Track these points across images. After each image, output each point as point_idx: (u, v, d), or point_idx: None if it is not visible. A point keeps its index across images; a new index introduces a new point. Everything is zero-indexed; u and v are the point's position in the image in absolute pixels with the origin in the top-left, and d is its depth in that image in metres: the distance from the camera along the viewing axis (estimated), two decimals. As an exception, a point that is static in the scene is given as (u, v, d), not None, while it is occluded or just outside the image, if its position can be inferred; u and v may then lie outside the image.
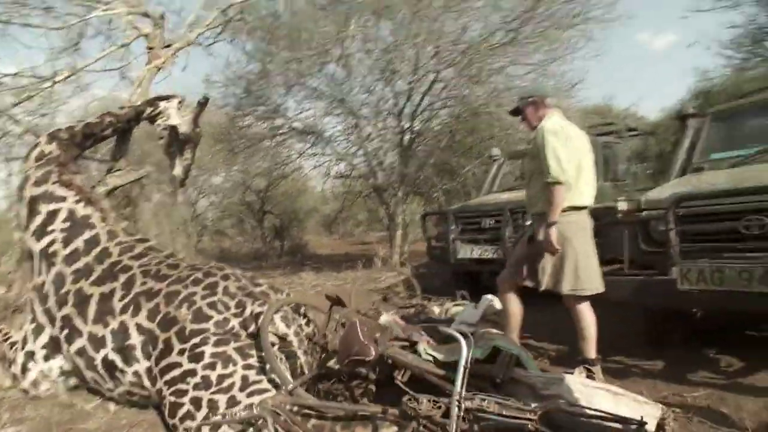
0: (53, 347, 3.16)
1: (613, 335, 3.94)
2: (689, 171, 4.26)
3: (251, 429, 2.20)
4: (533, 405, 1.83)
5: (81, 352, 2.93)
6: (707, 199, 2.97)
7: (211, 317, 2.69)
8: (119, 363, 2.80)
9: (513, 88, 8.09)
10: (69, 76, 4.13)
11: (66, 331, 3.00)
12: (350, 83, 8.61)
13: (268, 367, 2.63)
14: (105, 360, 2.84)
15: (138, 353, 2.76)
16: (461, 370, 1.83)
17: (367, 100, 8.95)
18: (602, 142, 6.52)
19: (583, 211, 3.14)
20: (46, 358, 3.20)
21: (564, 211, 3.00)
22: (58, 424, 2.89)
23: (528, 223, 4.02)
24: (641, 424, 1.76)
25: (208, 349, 2.56)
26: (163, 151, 4.54)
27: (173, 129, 4.20)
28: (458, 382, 1.82)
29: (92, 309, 2.94)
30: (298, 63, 8.55)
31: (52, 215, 3.29)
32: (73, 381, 3.28)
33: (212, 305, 2.75)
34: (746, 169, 3.54)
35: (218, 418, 2.24)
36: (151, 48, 4.88)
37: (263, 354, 2.66)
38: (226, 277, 2.94)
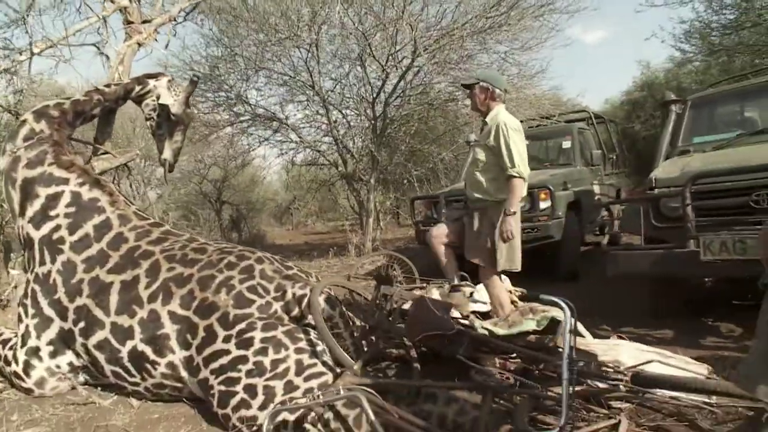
0: (62, 342, 2.91)
1: (617, 309, 4.15)
2: (675, 154, 4.52)
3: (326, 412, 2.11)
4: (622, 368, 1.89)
5: (102, 344, 2.71)
6: (721, 176, 3.17)
7: (253, 302, 2.56)
8: (150, 354, 2.61)
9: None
10: (47, 48, 3.75)
11: (82, 324, 2.76)
12: (320, 68, 8.40)
13: (318, 349, 2.55)
14: (133, 352, 2.63)
15: (173, 343, 2.58)
16: (567, 336, 1.85)
17: (337, 86, 8.80)
18: (578, 128, 6.79)
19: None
20: (53, 355, 2.94)
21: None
22: (81, 422, 2.67)
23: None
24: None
25: (257, 334, 2.43)
26: (150, 133, 4.27)
27: (163, 109, 3.94)
28: (566, 348, 1.83)
29: (114, 298, 2.71)
30: (265, 47, 8.28)
31: (53, 199, 3.00)
32: (82, 377, 3.04)
33: (252, 289, 2.61)
34: (736, 151, 3.81)
35: (302, 401, 2.12)
36: (130, 23, 4.54)
37: (312, 337, 2.58)
38: (260, 260, 2.81)
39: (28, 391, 2.99)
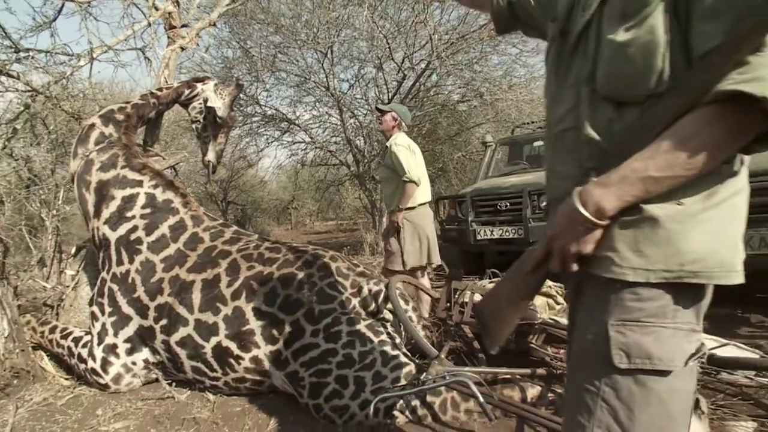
0: (140, 339, 3.01)
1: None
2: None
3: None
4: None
5: (185, 341, 2.82)
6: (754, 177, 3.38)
7: (334, 298, 2.70)
8: (235, 349, 2.72)
9: (490, 79, 8.42)
10: (102, 53, 3.83)
11: (164, 321, 2.87)
12: (333, 70, 8.52)
13: (397, 341, 2.70)
14: (217, 347, 2.75)
15: (258, 338, 2.70)
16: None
17: (352, 87, 8.93)
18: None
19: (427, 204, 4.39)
20: (130, 351, 3.04)
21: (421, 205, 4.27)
22: (166, 415, 2.77)
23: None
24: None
25: (343, 328, 2.57)
26: (196, 136, 4.37)
27: (210, 112, 4.05)
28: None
29: (197, 296, 2.83)
30: (279, 49, 8.39)
31: (129, 201, 3.11)
32: (154, 374, 3.14)
33: (332, 286, 2.75)
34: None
35: (408, 389, 2.26)
36: (173, 27, 4.63)
37: (389, 330, 2.72)
38: (333, 258, 2.94)
39: (104, 387, 3.08)
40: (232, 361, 2.75)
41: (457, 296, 2.89)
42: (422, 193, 4.30)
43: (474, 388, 1.98)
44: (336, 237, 14.33)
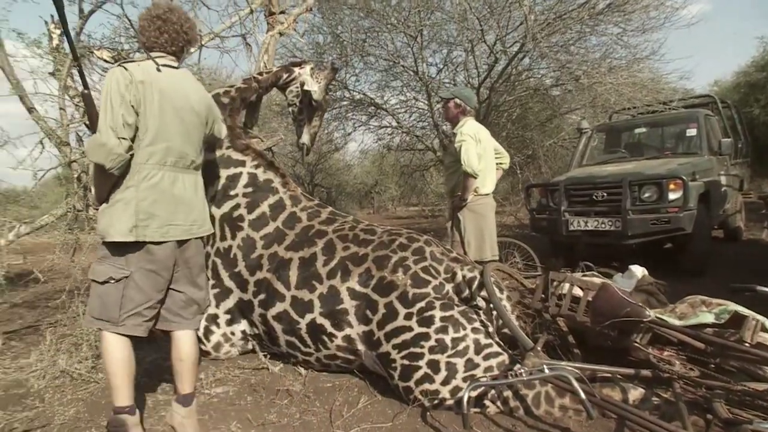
0: (239, 311, 3.17)
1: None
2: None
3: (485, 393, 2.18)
4: None
5: (281, 316, 2.93)
6: None
7: (428, 282, 2.68)
8: (329, 327, 2.79)
9: (587, 61, 7.93)
10: (210, 40, 4.05)
11: (263, 296, 3.00)
12: (422, 54, 8.42)
13: (490, 330, 2.64)
14: (311, 324, 2.84)
15: (351, 317, 2.75)
16: None
17: (441, 71, 8.80)
18: (704, 115, 6.41)
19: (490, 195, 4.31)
20: (230, 322, 3.22)
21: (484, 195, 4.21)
22: (262, 385, 2.91)
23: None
24: None
25: (437, 313, 2.55)
26: (292, 119, 4.50)
27: (306, 95, 4.13)
28: None
29: (294, 273, 2.93)
30: (369, 34, 8.42)
31: (233, 180, 3.26)
32: (250, 345, 3.31)
33: (426, 270, 2.73)
34: None
35: (501, 379, 2.22)
36: (272, 14, 4.80)
37: (483, 318, 2.66)
38: (428, 243, 2.92)
39: (205, 354, 3.29)
40: (325, 338, 2.82)
41: (554, 288, 2.77)
42: (486, 183, 4.21)
43: (575, 384, 1.89)
44: (418, 222, 14.33)
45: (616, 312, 2.24)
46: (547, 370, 2.01)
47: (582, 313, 2.56)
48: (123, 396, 2.17)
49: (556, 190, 5.70)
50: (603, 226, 5.22)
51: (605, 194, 5.31)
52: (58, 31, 3.95)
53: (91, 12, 3.56)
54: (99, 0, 3.56)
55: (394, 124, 10.06)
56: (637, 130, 6.90)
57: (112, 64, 3.79)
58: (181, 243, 2.24)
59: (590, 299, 2.51)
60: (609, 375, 2.38)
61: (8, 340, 4.00)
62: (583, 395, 1.87)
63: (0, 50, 3.34)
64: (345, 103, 9.99)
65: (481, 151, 4.11)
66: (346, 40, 8.37)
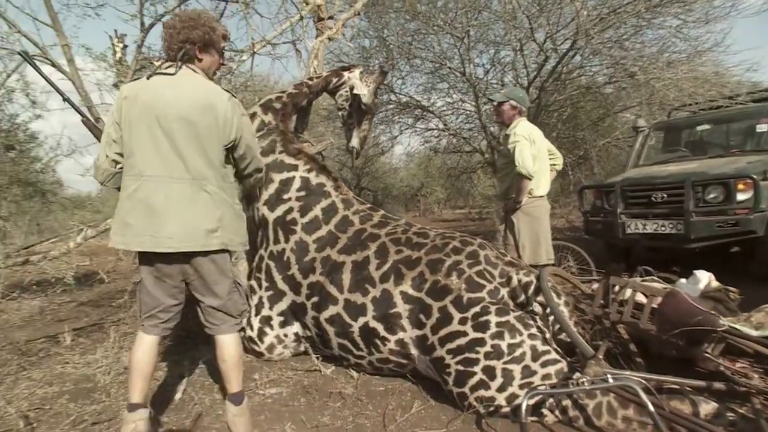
0: (292, 314, 3.22)
1: None
2: None
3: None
4: None
5: (334, 319, 2.95)
6: None
7: (483, 286, 2.62)
8: (381, 331, 2.79)
9: (644, 56, 7.60)
10: (262, 47, 4.15)
11: (316, 299, 3.02)
12: (469, 55, 8.31)
13: (547, 336, 2.56)
14: (364, 327, 2.84)
15: (404, 321, 2.73)
16: None
17: (489, 72, 8.67)
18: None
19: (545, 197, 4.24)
20: (283, 324, 3.26)
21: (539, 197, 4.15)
22: (314, 387, 2.94)
23: None
24: None
25: (492, 318, 2.49)
26: (341, 123, 4.54)
27: (355, 99, 4.15)
28: None
29: (346, 277, 2.94)
30: (414, 36, 8.39)
31: (286, 184, 3.32)
32: (303, 347, 3.34)
33: (480, 274, 2.68)
34: None
35: (560, 387, 2.14)
36: (321, 19, 4.85)
37: (540, 324, 2.58)
38: (482, 246, 2.87)
39: (259, 355, 3.36)
40: (377, 341, 2.82)
41: (614, 293, 2.66)
42: (540, 185, 4.13)
43: (643, 395, 1.79)
44: (465, 225, 14.18)
45: (686, 320, 2.12)
46: (611, 380, 1.92)
47: (646, 321, 2.44)
48: (132, 393, 2.22)
49: (611, 192, 5.50)
50: (663, 228, 4.99)
51: (665, 195, 5.07)
52: (121, 45, 4.16)
53: (152, 25, 3.72)
54: (159, 13, 3.70)
55: (441, 126, 9.97)
56: (700, 128, 6.55)
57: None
58: (188, 254, 2.17)
59: (656, 306, 2.39)
60: (677, 386, 2.25)
61: (76, 337, 4.22)
62: (651, 407, 1.78)
63: (71, 65, 3.53)
64: (391, 106, 9.98)
65: (536, 152, 4.04)
66: (392, 44, 8.37)
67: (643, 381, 1.93)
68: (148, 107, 2.12)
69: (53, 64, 3.47)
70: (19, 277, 5.22)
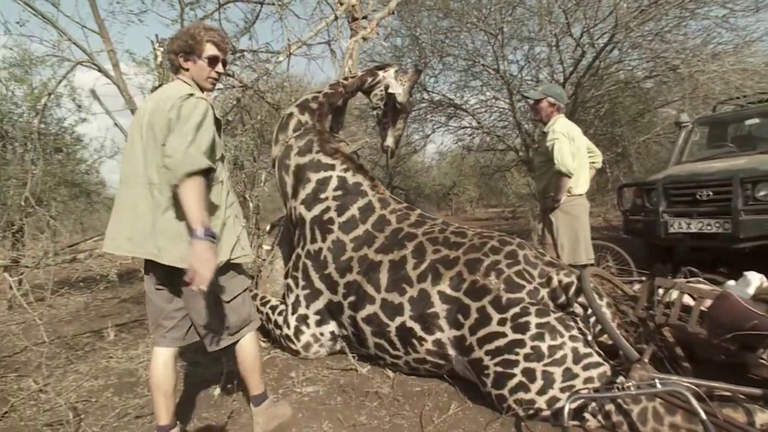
0: (328, 313, 3.24)
1: None
2: None
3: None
4: None
5: (371, 318, 2.95)
6: None
7: (522, 287, 2.58)
8: (418, 331, 2.77)
9: (687, 48, 7.34)
10: (298, 48, 4.19)
11: (352, 298, 3.03)
12: (503, 51, 8.20)
13: (589, 338, 2.49)
14: (401, 327, 2.83)
15: (442, 321, 2.71)
16: None
17: (523, 68, 8.55)
18: None
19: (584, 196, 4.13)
20: (319, 323, 3.29)
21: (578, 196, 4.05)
22: (351, 386, 2.95)
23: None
24: None
25: (532, 319, 2.45)
26: (376, 122, 4.54)
27: (390, 98, 4.14)
28: None
29: (384, 276, 2.94)
30: (447, 34, 8.34)
31: (323, 183, 3.34)
32: (339, 346, 3.36)
33: (519, 274, 2.63)
34: None
35: (603, 391, 2.09)
36: (355, 19, 4.87)
37: (581, 325, 2.52)
38: (521, 246, 2.82)
39: (295, 353, 3.39)
40: (414, 341, 2.80)
41: (661, 295, 2.57)
42: (579, 183, 4.04)
43: (694, 402, 1.72)
44: (498, 224, 14.01)
45: (741, 324, 2.03)
46: (659, 385, 1.85)
47: (695, 324, 2.35)
48: (158, 415, 2.22)
49: (653, 190, 5.31)
50: (709, 228, 4.79)
51: (711, 193, 4.87)
52: (161, 50, 4.26)
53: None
54: (198, 18, 3.78)
55: (474, 124, 9.89)
56: (748, 122, 6.26)
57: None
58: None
59: (705, 309, 2.30)
60: (729, 394, 2.16)
61: (119, 332, 4.37)
62: (703, 415, 1.71)
63: (116, 70, 3.65)
64: (424, 104, 9.96)
65: (575, 150, 3.94)
66: (425, 42, 8.34)
67: (694, 387, 1.86)
68: (136, 118, 2.18)
69: (99, 69, 3.59)
70: (66, 273, 5.43)
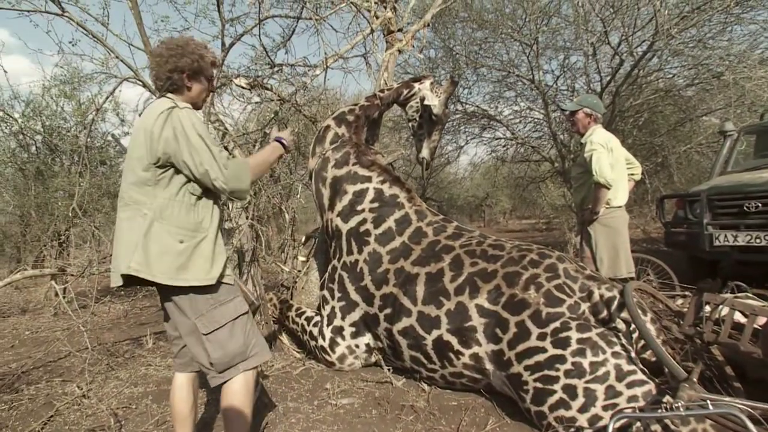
0: (364, 325, 3.24)
1: None
2: None
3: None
4: None
5: (407, 331, 2.94)
6: None
7: (563, 301, 2.53)
8: (455, 344, 2.74)
9: (732, 54, 7.10)
10: (334, 61, 4.26)
11: (389, 310, 3.03)
12: (538, 61, 8.12)
13: (632, 355, 2.41)
14: (438, 340, 2.81)
15: (479, 335, 2.68)
16: None
17: (559, 78, 8.44)
18: None
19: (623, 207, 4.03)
20: (354, 335, 3.29)
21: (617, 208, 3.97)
22: (385, 399, 2.93)
23: None
24: None
25: (573, 335, 2.39)
26: (411, 134, 4.55)
27: (426, 110, 4.14)
28: None
29: (420, 289, 2.93)
30: (481, 46, 8.32)
31: (359, 195, 3.37)
32: (374, 358, 3.36)
33: (559, 288, 2.58)
34: None
35: (649, 411, 2.02)
36: (390, 32, 4.92)
37: (624, 341, 2.45)
38: (561, 259, 2.77)
39: (330, 365, 3.40)
40: (451, 355, 2.77)
41: (710, 312, 2.47)
42: (618, 194, 3.96)
43: (750, 425, 1.64)
44: (532, 236, 13.80)
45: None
46: (711, 406, 1.78)
47: (747, 342, 2.25)
48: None
49: (696, 201, 5.15)
50: (758, 241, 4.60)
51: (760, 204, 4.69)
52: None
53: (231, 45, 3.91)
54: (238, 33, 3.89)
55: (508, 135, 9.81)
56: (797, 130, 6.02)
57: (249, 90, 4.13)
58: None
59: (759, 326, 2.20)
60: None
61: (157, 341, 4.48)
62: (759, 438, 1.63)
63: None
64: (458, 116, 9.94)
65: (613, 161, 3.87)
66: (459, 53, 8.34)
67: (749, 409, 1.78)
68: (131, 138, 2.04)
69: (144, 84, 3.72)
70: (107, 282, 5.61)
